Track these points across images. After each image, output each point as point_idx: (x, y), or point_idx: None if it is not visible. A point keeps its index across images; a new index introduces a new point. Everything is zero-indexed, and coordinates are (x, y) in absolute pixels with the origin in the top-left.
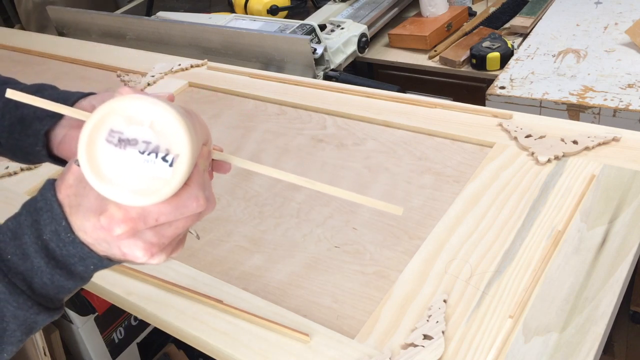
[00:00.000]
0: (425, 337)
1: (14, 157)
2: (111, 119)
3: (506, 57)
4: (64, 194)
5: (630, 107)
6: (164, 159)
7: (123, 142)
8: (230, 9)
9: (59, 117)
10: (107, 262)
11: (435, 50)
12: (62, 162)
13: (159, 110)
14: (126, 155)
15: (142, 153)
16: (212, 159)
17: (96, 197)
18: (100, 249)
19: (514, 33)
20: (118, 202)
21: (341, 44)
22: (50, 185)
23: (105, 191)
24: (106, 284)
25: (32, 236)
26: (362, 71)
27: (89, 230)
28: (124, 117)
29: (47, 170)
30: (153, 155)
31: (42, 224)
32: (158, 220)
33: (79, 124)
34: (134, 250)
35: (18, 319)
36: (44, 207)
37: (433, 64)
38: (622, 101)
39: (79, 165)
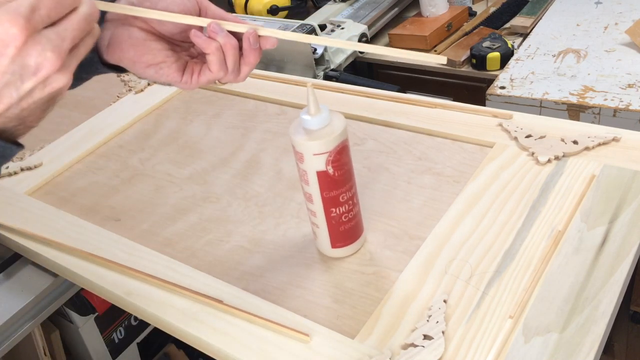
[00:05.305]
0: (426, 337)
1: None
2: None
3: (506, 57)
4: None
5: (631, 107)
6: None
7: None
8: (230, 9)
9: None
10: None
11: (435, 50)
12: (115, 68)
13: None
14: None
15: None
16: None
17: None
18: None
19: (514, 33)
20: None
21: None
22: None
23: None
24: (106, 284)
25: None
26: (362, 71)
27: None
28: None
29: (48, 170)
30: None
31: None
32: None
33: (123, 21)
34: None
35: None
36: None
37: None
38: (622, 101)
39: None
